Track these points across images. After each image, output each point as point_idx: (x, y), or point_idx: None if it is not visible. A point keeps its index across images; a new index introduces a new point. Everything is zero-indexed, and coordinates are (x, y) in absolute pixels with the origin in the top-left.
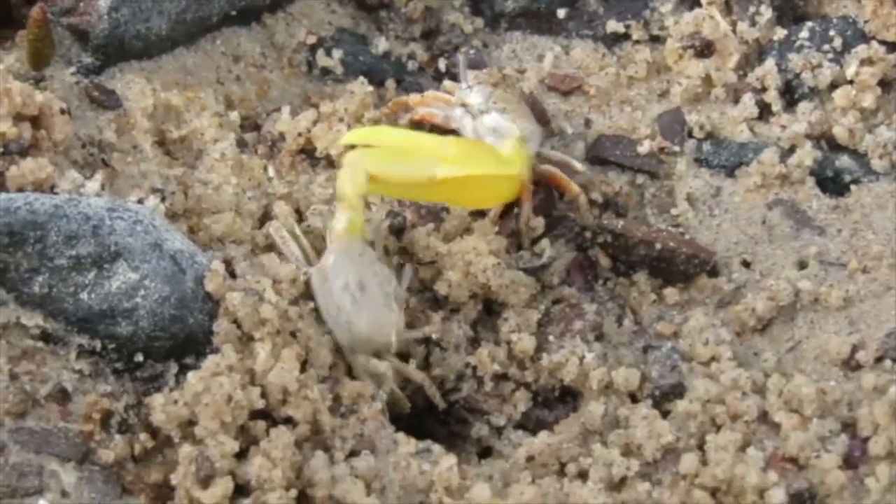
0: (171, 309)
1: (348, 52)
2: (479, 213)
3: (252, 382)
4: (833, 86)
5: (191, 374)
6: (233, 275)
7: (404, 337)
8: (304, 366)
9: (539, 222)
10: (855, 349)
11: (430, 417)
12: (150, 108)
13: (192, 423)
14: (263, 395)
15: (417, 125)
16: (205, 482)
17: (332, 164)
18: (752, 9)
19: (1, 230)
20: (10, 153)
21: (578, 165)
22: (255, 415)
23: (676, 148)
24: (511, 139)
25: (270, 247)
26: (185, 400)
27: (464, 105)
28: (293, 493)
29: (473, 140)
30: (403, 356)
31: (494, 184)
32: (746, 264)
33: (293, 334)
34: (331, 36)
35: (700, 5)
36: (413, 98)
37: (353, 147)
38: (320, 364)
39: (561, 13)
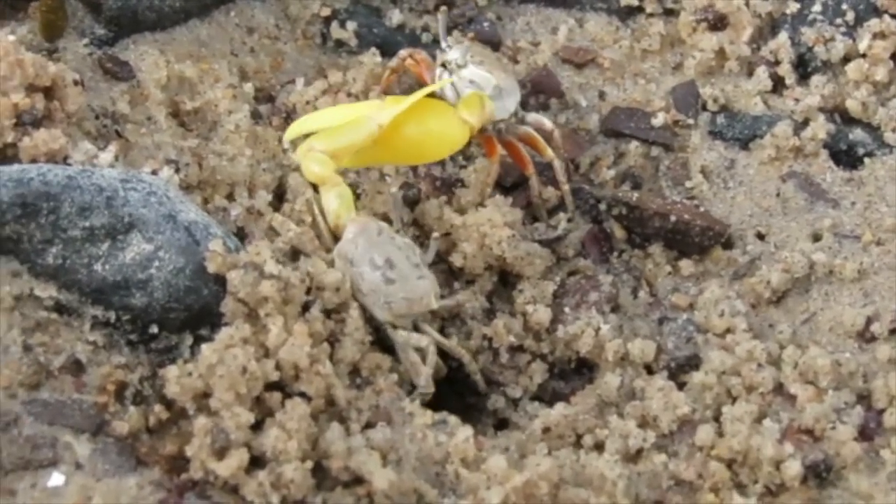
0: (185, 280)
1: (362, 25)
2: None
3: (266, 355)
4: (846, 59)
5: (205, 347)
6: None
7: (442, 303)
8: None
9: (550, 193)
10: (870, 321)
11: (445, 388)
12: (163, 80)
13: (206, 395)
14: (278, 367)
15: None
16: (220, 454)
17: None
18: None
19: (14, 201)
20: (24, 124)
21: (549, 124)
22: (271, 386)
23: (691, 121)
24: (481, 90)
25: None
26: (199, 372)
27: (444, 65)
28: (309, 464)
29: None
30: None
31: (437, 123)
32: (761, 236)
33: (304, 307)
34: (345, 8)
35: None
36: (392, 63)
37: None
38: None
39: None
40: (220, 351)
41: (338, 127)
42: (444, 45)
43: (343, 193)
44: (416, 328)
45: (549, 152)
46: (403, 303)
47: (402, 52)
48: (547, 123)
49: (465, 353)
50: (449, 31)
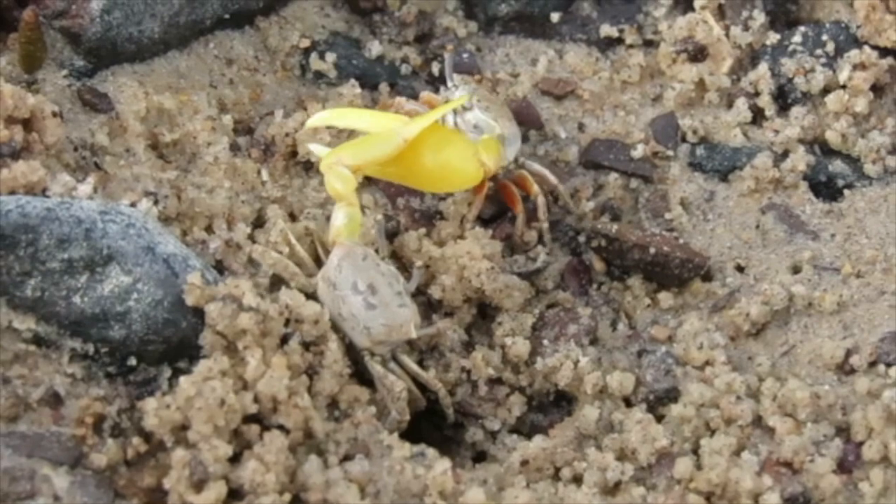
0: (164, 312)
1: (342, 56)
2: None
3: (244, 388)
4: (826, 90)
5: (183, 379)
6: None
7: (421, 332)
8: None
9: (532, 235)
10: (849, 353)
11: (424, 421)
12: (142, 112)
13: (184, 427)
14: (256, 400)
15: None
16: (198, 486)
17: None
18: (745, 13)
19: None
20: (2, 156)
21: (553, 179)
22: (249, 419)
23: (670, 152)
24: (489, 134)
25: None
26: (177, 404)
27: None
28: (287, 497)
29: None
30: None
31: (456, 157)
32: (740, 269)
33: (283, 339)
34: (324, 39)
35: (693, 10)
36: (399, 101)
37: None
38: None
39: (555, 17)
40: (198, 383)
41: (365, 140)
42: (449, 84)
43: (353, 215)
44: (395, 358)
45: (535, 188)
46: (383, 329)
47: (387, 102)
48: (551, 178)
49: (441, 386)
50: (428, 62)
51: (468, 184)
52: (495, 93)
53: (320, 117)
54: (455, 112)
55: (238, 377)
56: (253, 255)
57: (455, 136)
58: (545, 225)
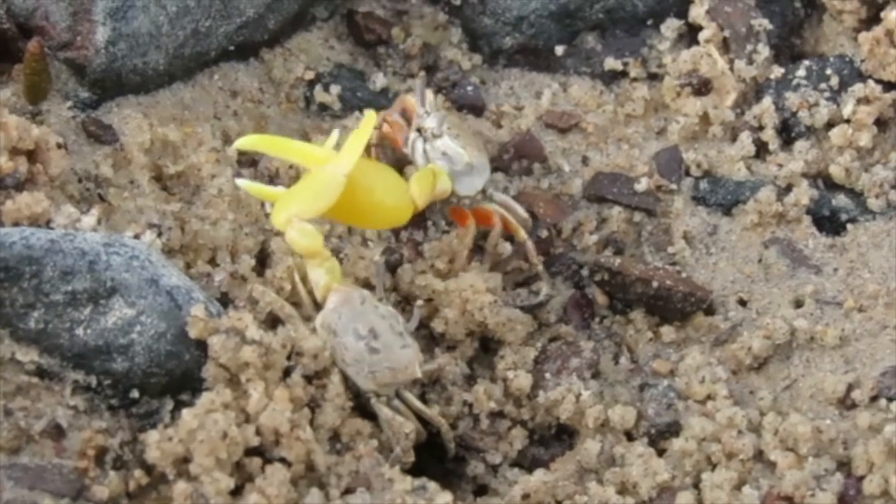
0: (167, 345)
1: (346, 88)
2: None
3: (247, 420)
4: (830, 124)
5: (185, 411)
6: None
7: (425, 368)
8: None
9: (507, 247)
10: (850, 388)
11: (425, 454)
12: (146, 143)
13: (186, 459)
14: (258, 432)
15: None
16: None
17: None
18: (749, 47)
19: None
20: (6, 187)
21: (523, 212)
22: (250, 451)
23: (674, 186)
24: (430, 166)
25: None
26: (179, 437)
27: (419, 130)
28: None
29: None
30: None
31: (386, 195)
32: (743, 303)
33: (285, 372)
34: (329, 72)
35: (698, 43)
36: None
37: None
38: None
39: (559, 50)
40: (200, 416)
41: (307, 188)
42: (420, 110)
43: (332, 268)
44: (398, 395)
45: (522, 233)
46: (388, 372)
47: (377, 119)
48: (519, 210)
49: (444, 422)
50: (434, 94)
51: (397, 222)
52: (464, 120)
53: (249, 141)
54: (424, 139)
55: (240, 410)
56: (253, 293)
57: (385, 172)
58: (540, 267)
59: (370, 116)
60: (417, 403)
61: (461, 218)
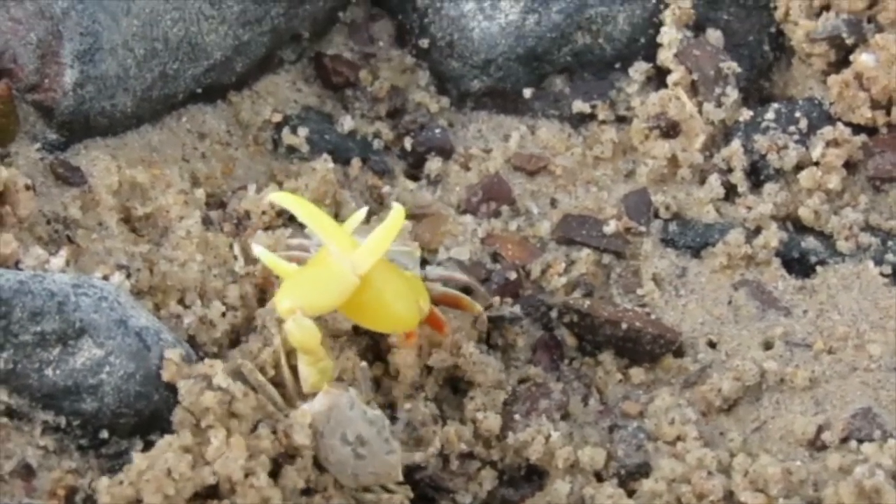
0: (136, 385)
1: (314, 131)
2: None
3: (206, 464)
4: (799, 167)
5: (135, 455)
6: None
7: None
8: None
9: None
10: (821, 429)
11: None
12: (115, 185)
13: (139, 500)
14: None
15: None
16: None
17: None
18: (718, 90)
19: None
20: None
21: (463, 276)
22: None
23: (643, 228)
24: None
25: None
26: (129, 480)
27: None
28: None
29: None
30: None
31: (397, 294)
32: (712, 345)
33: (244, 420)
34: (296, 114)
35: (666, 86)
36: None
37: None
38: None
39: (527, 93)
40: (151, 457)
41: (317, 281)
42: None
43: (324, 369)
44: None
45: (477, 307)
46: (371, 476)
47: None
48: (459, 276)
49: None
50: (400, 137)
51: (405, 328)
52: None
53: (281, 197)
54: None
55: (200, 455)
56: (242, 369)
57: (397, 274)
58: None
59: (398, 213)
60: None
61: (407, 335)
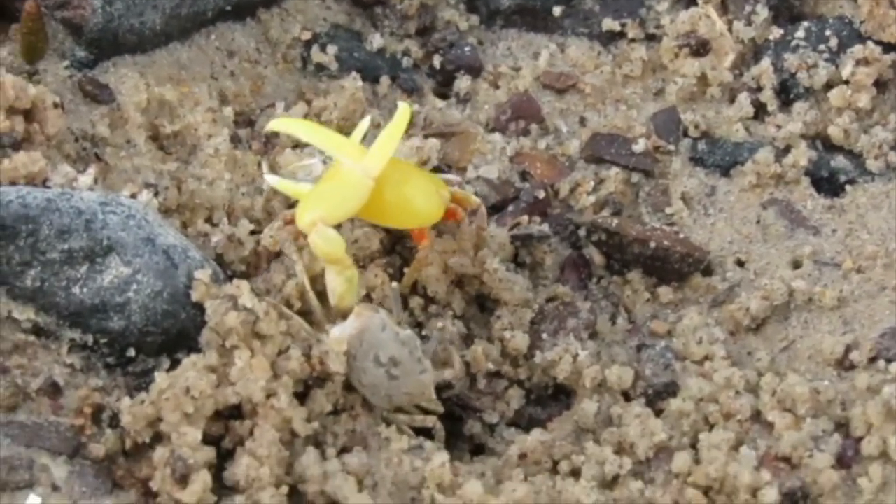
0: (163, 304)
1: (343, 49)
2: None
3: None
4: (829, 86)
5: (158, 375)
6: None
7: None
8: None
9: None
10: (849, 349)
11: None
12: (143, 103)
13: (160, 419)
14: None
15: None
16: (182, 481)
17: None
18: (748, 8)
19: None
20: (3, 146)
21: (451, 176)
22: (237, 415)
23: (671, 147)
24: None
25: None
26: (151, 399)
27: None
28: (284, 489)
29: None
30: None
31: (418, 189)
32: (741, 263)
33: (270, 341)
34: (325, 32)
35: (696, 4)
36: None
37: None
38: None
39: (557, 11)
40: (173, 377)
41: (333, 191)
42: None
43: (351, 278)
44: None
45: (473, 198)
46: (405, 398)
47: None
48: (452, 177)
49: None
50: (429, 55)
51: (430, 220)
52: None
53: (280, 123)
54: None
55: (225, 375)
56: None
57: (414, 171)
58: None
59: (404, 111)
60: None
61: (419, 236)
